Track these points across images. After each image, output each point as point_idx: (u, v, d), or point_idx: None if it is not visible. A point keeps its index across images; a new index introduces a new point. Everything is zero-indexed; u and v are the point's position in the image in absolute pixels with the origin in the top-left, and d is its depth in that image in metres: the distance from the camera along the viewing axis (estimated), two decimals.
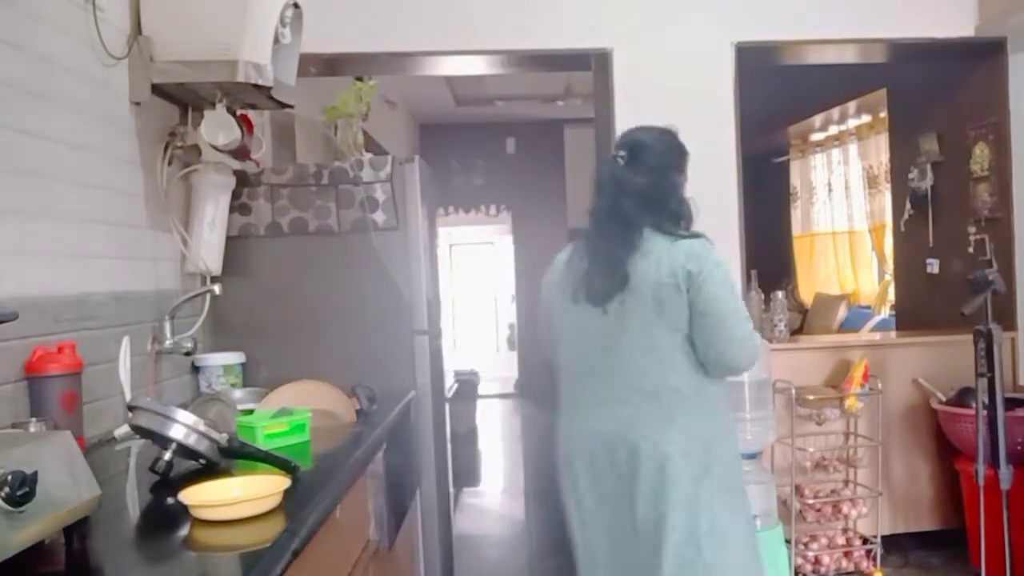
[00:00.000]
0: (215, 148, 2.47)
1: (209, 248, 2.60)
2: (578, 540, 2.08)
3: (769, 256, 5.61)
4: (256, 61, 2.25)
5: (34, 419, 1.64)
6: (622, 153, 2.09)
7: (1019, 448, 3.06)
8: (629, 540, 1.96)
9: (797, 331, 3.94)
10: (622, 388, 1.97)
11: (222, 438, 1.55)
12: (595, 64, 3.70)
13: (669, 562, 1.87)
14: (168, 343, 2.36)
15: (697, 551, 1.87)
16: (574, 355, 2.09)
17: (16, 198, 1.75)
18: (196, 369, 2.60)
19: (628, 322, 1.94)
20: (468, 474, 5.83)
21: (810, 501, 3.34)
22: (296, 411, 1.93)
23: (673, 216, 2.04)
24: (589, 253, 2.03)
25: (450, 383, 5.74)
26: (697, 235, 1.99)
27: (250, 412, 2.04)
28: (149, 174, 2.38)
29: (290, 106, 2.60)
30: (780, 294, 3.82)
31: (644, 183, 2.03)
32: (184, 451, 1.53)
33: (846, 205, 6.43)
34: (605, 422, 2.00)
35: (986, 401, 2.87)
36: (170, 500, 1.38)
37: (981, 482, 2.88)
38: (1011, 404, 3.07)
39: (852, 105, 5.74)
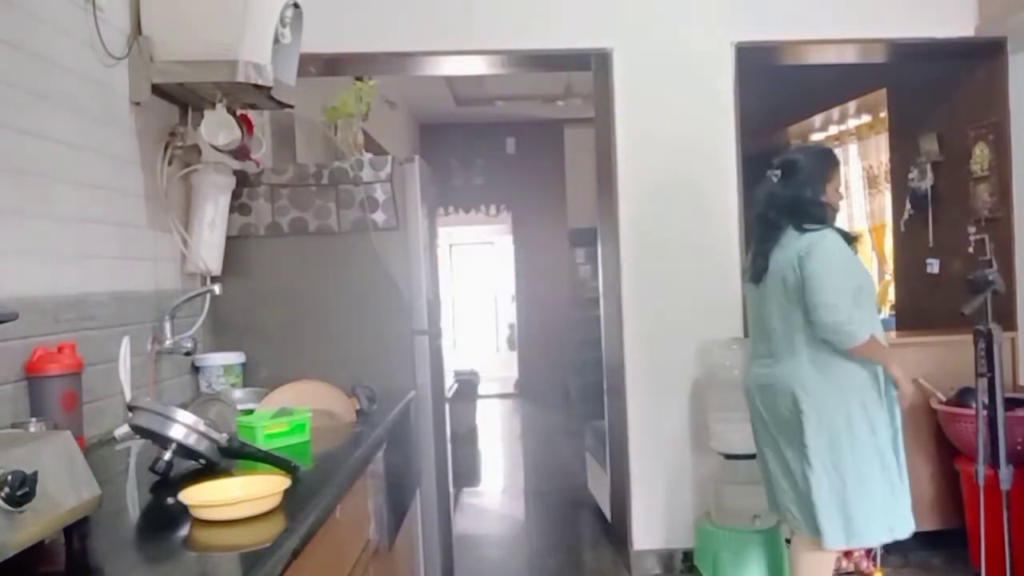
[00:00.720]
0: (215, 148, 2.47)
1: (209, 248, 2.60)
2: (757, 446, 2.82)
3: None
4: (256, 61, 2.25)
5: (34, 419, 1.64)
6: (776, 172, 2.69)
7: (1019, 448, 3.06)
8: (777, 448, 2.68)
9: None
10: (768, 346, 2.67)
11: (222, 438, 1.55)
12: (595, 64, 3.70)
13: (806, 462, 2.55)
14: (168, 343, 2.36)
15: (809, 459, 2.53)
16: (750, 320, 2.87)
17: (16, 198, 1.75)
18: (196, 369, 2.61)
19: (769, 297, 2.64)
20: (468, 474, 5.83)
21: None
22: (296, 411, 1.93)
23: (813, 218, 2.59)
24: (751, 247, 2.80)
25: (450, 383, 5.74)
26: (819, 228, 2.55)
27: (250, 412, 2.04)
28: (149, 174, 2.38)
29: (290, 106, 2.61)
30: None
31: (788, 196, 2.63)
32: (184, 451, 1.53)
33: (846, 205, 6.42)
34: (759, 370, 2.72)
35: (986, 401, 2.87)
36: (170, 500, 1.38)
37: (981, 482, 2.88)
38: (1011, 404, 3.07)
39: (852, 105, 5.74)
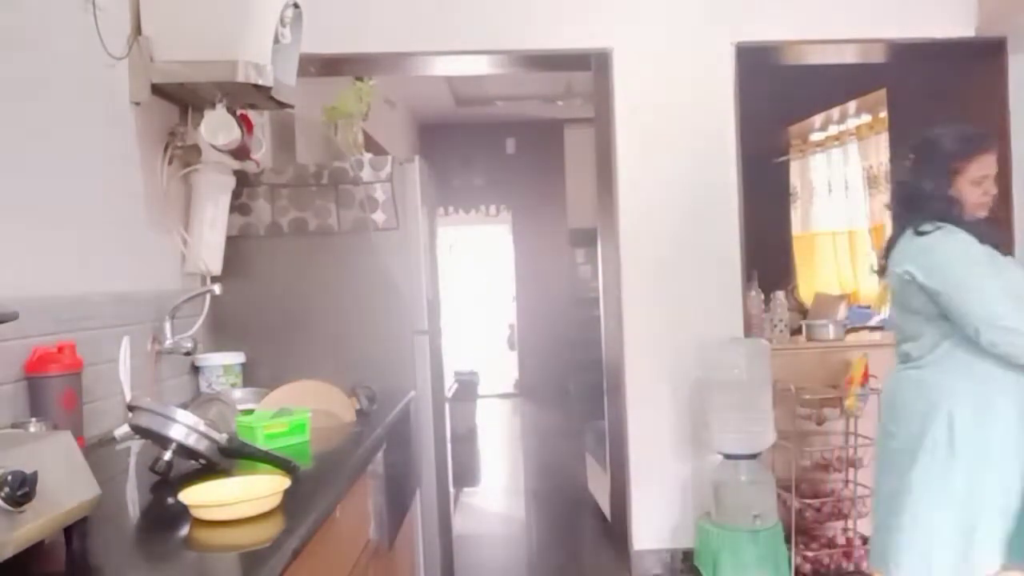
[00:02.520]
0: (215, 148, 2.47)
1: (209, 248, 2.60)
2: None
3: (769, 256, 5.59)
4: (256, 61, 2.25)
5: (34, 419, 1.64)
6: (910, 155, 2.37)
7: None
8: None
9: (797, 331, 3.94)
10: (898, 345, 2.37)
11: (222, 438, 1.56)
12: (595, 64, 3.70)
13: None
14: (168, 343, 2.36)
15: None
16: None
17: (16, 198, 1.75)
18: (196, 369, 2.60)
19: (891, 298, 2.40)
20: (468, 474, 5.83)
21: (810, 501, 3.34)
22: (296, 411, 1.93)
23: (935, 214, 2.22)
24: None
25: (450, 383, 5.74)
26: (934, 230, 2.19)
27: (250, 412, 2.04)
28: (149, 174, 2.38)
29: (290, 106, 2.61)
30: (780, 294, 3.82)
31: (909, 187, 2.32)
32: (184, 451, 1.53)
33: (846, 205, 6.42)
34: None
35: None
36: (170, 500, 1.38)
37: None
38: None
39: (852, 105, 5.74)
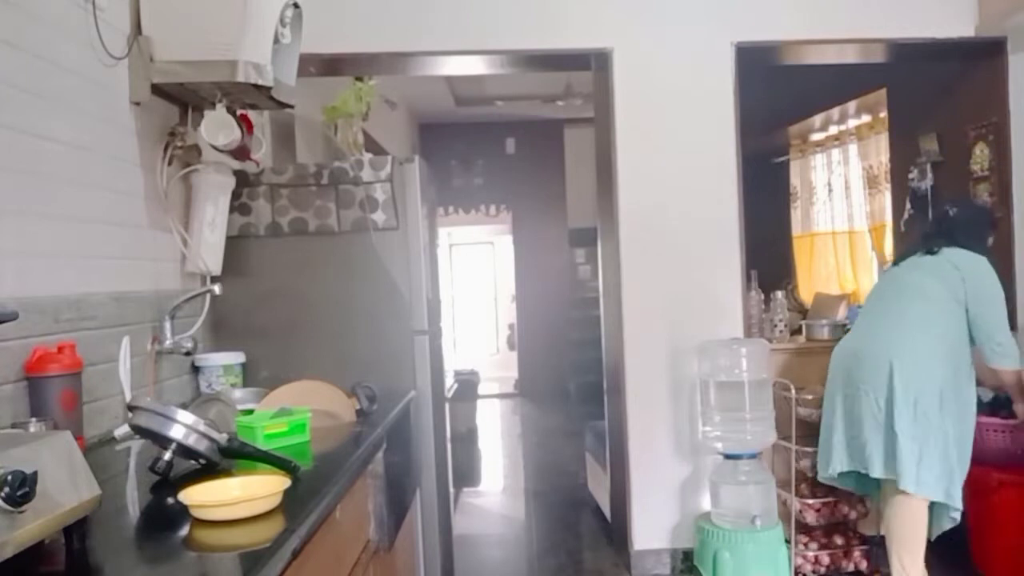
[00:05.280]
0: (215, 148, 2.47)
1: (209, 248, 2.60)
2: None
3: (769, 256, 5.60)
4: (256, 61, 2.25)
5: (34, 419, 1.64)
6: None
7: (1020, 450, 3.06)
8: None
9: (797, 331, 3.93)
10: None
11: (222, 438, 1.55)
12: (595, 64, 3.70)
13: None
14: (168, 343, 2.36)
15: None
16: None
17: (16, 198, 1.75)
18: (196, 369, 2.60)
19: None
20: (468, 474, 5.83)
21: (810, 501, 3.34)
22: (296, 411, 1.93)
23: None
24: None
25: (450, 383, 5.74)
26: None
27: (250, 412, 2.04)
28: (149, 174, 2.38)
29: (290, 106, 2.60)
30: (780, 294, 3.82)
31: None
32: (184, 451, 1.53)
33: (846, 205, 6.42)
34: None
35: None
36: (170, 500, 1.38)
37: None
38: (1011, 404, 3.06)
39: (852, 105, 5.73)
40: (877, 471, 2.73)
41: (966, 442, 2.71)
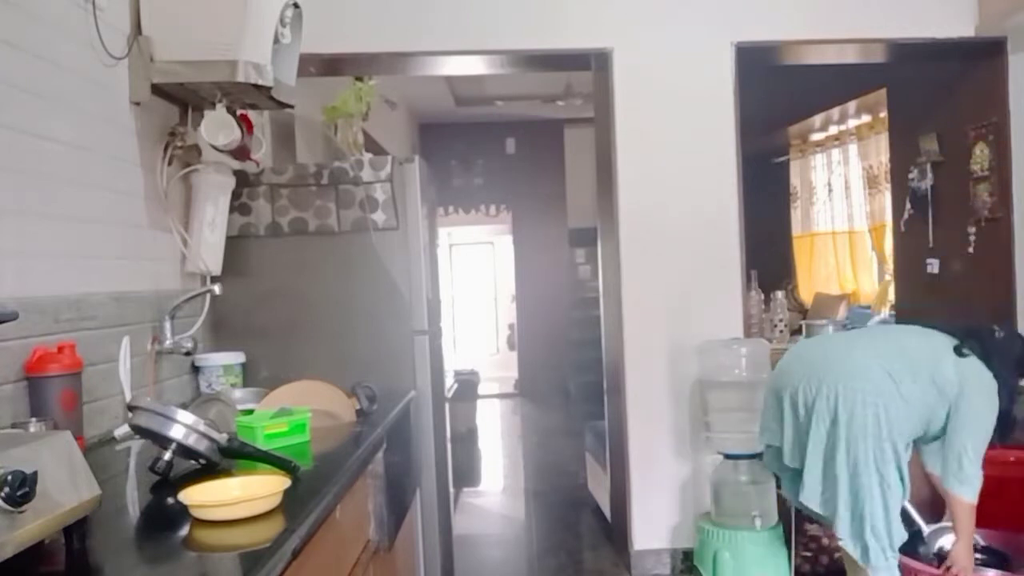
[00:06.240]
0: (215, 148, 2.47)
1: (209, 248, 2.60)
2: None
3: (769, 256, 5.60)
4: (256, 61, 2.25)
5: (34, 419, 1.64)
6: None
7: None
8: None
9: (797, 331, 3.94)
10: None
11: (222, 438, 1.56)
12: (595, 64, 3.70)
13: None
14: (168, 343, 2.36)
15: None
16: None
17: (16, 198, 1.75)
18: (196, 369, 2.60)
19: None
20: (468, 474, 5.83)
21: None
22: (296, 411, 1.93)
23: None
24: None
25: (450, 383, 5.74)
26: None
27: (250, 412, 2.04)
28: (149, 174, 2.38)
29: (290, 106, 2.61)
30: (780, 294, 3.83)
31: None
32: (184, 451, 1.53)
33: (846, 205, 6.42)
34: None
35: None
36: (170, 500, 1.38)
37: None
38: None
39: (852, 105, 5.74)
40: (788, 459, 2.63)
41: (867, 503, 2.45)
